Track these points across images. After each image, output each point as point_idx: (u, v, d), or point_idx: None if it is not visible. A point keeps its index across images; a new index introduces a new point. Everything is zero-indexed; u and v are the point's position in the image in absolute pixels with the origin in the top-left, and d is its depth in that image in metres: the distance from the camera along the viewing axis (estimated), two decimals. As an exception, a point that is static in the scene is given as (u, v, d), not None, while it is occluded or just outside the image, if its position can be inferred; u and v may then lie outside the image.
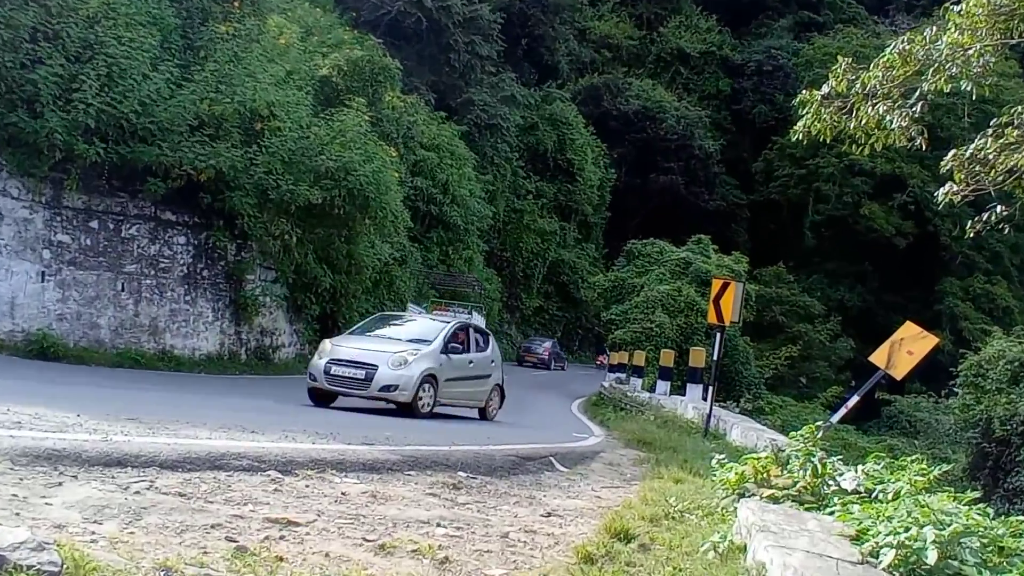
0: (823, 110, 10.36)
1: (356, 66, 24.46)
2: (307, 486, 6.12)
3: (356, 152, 19.04)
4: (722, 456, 8.23)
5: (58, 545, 3.48)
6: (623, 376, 26.75)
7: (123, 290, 16.01)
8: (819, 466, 6.51)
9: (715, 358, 17.01)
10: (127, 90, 15.35)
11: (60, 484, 4.91)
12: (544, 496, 7.80)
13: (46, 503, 4.48)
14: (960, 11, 9.26)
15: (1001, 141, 9.28)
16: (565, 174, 48.39)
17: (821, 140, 10.71)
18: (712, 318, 16.36)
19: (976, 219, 9.61)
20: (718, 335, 16.80)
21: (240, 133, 17.25)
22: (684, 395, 20.18)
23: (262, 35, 19.68)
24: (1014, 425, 17.68)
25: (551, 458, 10.17)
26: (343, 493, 6.12)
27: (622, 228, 46.51)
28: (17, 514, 4.15)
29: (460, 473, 7.88)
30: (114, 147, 15.36)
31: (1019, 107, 9.59)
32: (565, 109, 49.41)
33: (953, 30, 9.20)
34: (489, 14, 41.24)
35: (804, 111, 10.57)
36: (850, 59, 10.52)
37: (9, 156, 14.66)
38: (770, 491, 6.44)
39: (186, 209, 17.03)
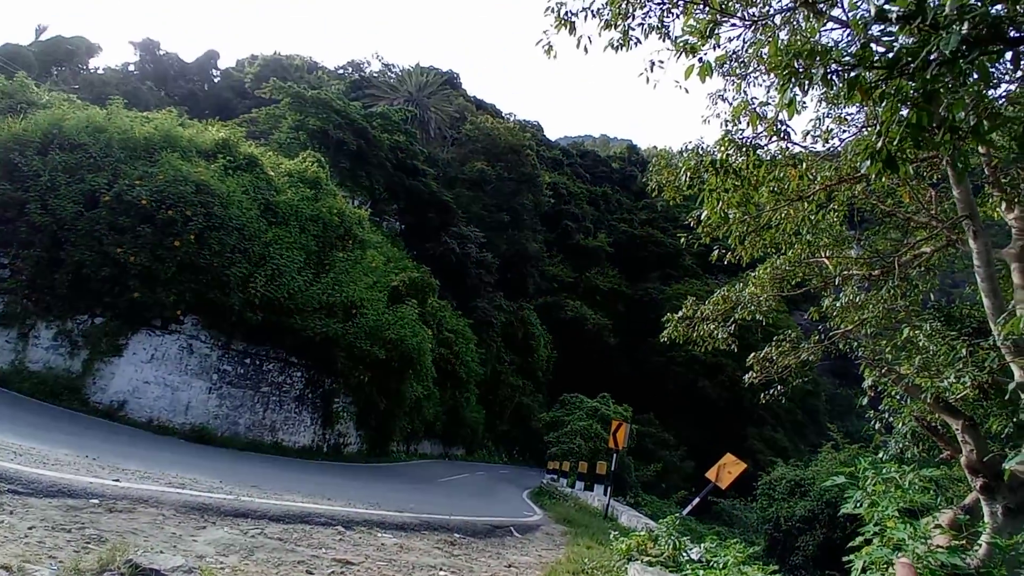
0: (679, 325, 10.55)
1: (413, 282, 24.93)
2: (360, 538, 5.69)
3: (408, 331, 19.04)
4: (616, 533, 7.81)
5: (200, 570, 3.18)
6: (555, 477, 25.66)
7: (258, 403, 15.47)
8: (677, 543, 6.19)
9: (612, 469, 16.47)
10: (282, 284, 15.49)
11: (204, 527, 4.55)
12: (507, 553, 7.27)
13: (193, 540, 4.14)
14: (755, 276, 9.70)
15: (778, 349, 9.47)
16: (527, 352, 48.37)
17: (677, 342, 10.84)
18: (611, 444, 15.99)
19: (765, 393, 9.68)
20: (614, 455, 16.34)
21: (343, 314, 17.28)
22: (593, 491, 19.30)
23: (362, 259, 20.11)
24: (792, 523, 17.04)
25: (511, 527, 9.59)
26: (383, 544, 5.68)
27: (559, 386, 45.90)
28: (175, 546, 3.82)
29: (455, 534, 7.38)
30: (268, 315, 15.32)
31: (789, 330, 9.87)
32: (530, 315, 50.04)
33: (751, 286, 9.58)
34: (491, 259, 42.57)
35: (668, 325, 10.76)
36: (693, 298, 10.86)
37: (203, 317, 14.57)
38: (647, 558, 6.10)
39: (304, 356, 16.72)
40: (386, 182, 35.78)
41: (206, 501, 5.20)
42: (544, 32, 6.30)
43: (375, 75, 68.43)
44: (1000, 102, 4.53)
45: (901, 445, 9.48)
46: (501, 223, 46.79)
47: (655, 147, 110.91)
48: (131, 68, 66.67)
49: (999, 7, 2.99)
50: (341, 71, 72.68)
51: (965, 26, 2.83)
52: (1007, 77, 5.47)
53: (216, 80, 69.06)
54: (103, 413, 12.55)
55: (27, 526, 3.44)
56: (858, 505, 4.77)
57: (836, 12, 5.76)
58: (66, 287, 13.08)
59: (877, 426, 9.40)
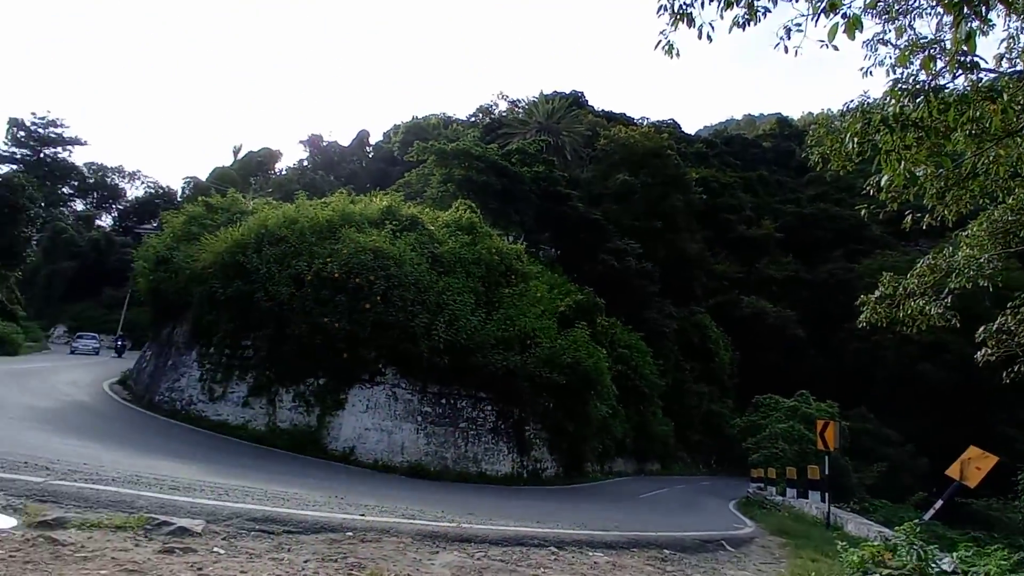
0: (877, 307, 9.56)
1: (579, 304, 25.16)
2: (573, 557, 5.87)
3: (583, 353, 19.19)
4: (844, 543, 7.15)
5: (443, 590, 3.55)
6: (762, 485, 23.92)
7: (459, 438, 16.57)
8: (922, 552, 5.46)
9: (826, 473, 15.07)
10: (460, 327, 16.56)
11: (437, 552, 5.03)
12: (722, 568, 6.99)
13: (431, 563, 4.61)
14: (967, 235, 8.47)
15: (1017, 317, 8.10)
16: (707, 357, 46.06)
17: (879, 325, 9.79)
18: (820, 446, 14.64)
19: (1009, 371, 8.27)
20: (826, 458, 14.93)
21: (518, 347, 17.88)
22: (807, 499, 17.69)
23: (527, 292, 20.81)
24: (1074, 521, 13.99)
25: (722, 541, 9.15)
26: (595, 562, 5.81)
27: (748, 388, 42.92)
28: (418, 569, 4.30)
29: (665, 550, 7.26)
30: (453, 357, 16.39)
31: (1026, 292, 8.41)
32: (703, 319, 47.82)
33: (965, 248, 8.37)
34: (652, 268, 41.60)
35: (864, 308, 9.78)
36: (890, 273, 9.77)
37: (400, 367, 16.07)
38: (887, 571, 5.45)
39: (491, 391, 17.51)
40: (534, 213, 36.90)
41: (434, 529, 5.75)
42: (661, 33, 6.13)
43: (504, 114, 71.60)
44: None
45: None
46: (654, 230, 45.64)
47: (810, 114, 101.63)
48: (304, 163, 76.98)
49: None
50: (473, 119, 77.18)
51: None
52: None
53: (370, 155, 77.12)
54: (339, 458, 14.47)
55: (303, 559, 4.10)
56: None
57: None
58: (293, 357, 15.39)
59: None
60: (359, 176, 64.26)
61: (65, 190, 67.35)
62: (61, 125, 64.39)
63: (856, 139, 6.48)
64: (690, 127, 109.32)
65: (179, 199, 57.94)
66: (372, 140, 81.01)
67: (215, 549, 3.96)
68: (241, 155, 77.65)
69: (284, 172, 73.45)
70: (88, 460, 6.94)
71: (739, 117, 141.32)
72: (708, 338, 46.62)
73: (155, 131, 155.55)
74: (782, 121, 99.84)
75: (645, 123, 71.85)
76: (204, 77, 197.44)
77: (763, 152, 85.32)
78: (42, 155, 63.71)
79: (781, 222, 65.38)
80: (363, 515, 6.00)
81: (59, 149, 65.05)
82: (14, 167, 57.40)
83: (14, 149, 62.64)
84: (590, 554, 6.23)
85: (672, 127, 78.13)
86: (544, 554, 5.81)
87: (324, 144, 78.61)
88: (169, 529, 4.12)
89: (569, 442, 19.93)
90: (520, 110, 68.81)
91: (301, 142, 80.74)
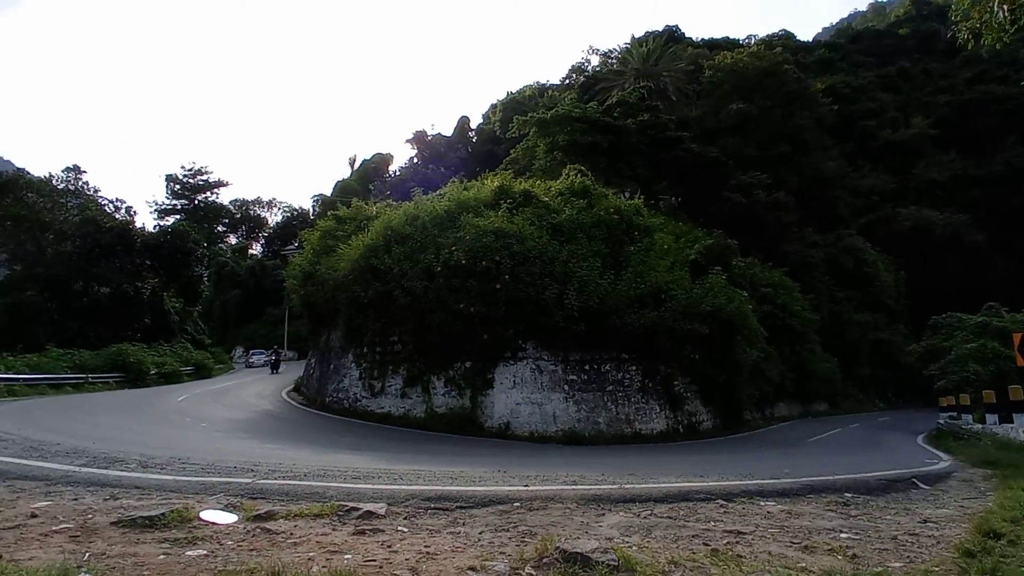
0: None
1: (710, 249, 23.95)
2: (744, 508, 5.71)
3: (722, 299, 18.38)
4: (1067, 466, 6.29)
5: (613, 549, 3.64)
6: (955, 414, 21.50)
7: (608, 401, 16.67)
8: None
9: (1033, 391, 13.23)
10: (590, 293, 16.55)
11: (603, 514, 5.14)
12: (916, 508, 6.42)
13: (598, 525, 4.72)
14: None
15: None
16: (865, 283, 41.87)
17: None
18: (1020, 362, 12.84)
19: None
20: (1030, 374, 13.09)
21: (652, 303, 17.51)
22: (1012, 423, 15.63)
23: (654, 246, 20.26)
24: None
25: (914, 479, 8.39)
26: (768, 512, 5.61)
27: (922, 310, 38.43)
28: (586, 532, 4.43)
29: (846, 494, 6.82)
30: (589, 323, 16.42)
31: None
32: (854, 241, 43.43)
33: None
34: (784, 197, 38.58)
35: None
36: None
37: (539, 340, 16.45)
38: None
39: (632, 351, 17.34)
40: (647, 164, 35.56)
41: (597, 492, 5.88)
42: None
43: (597, 69, 69.23)
44: None
45: None
46: (781, 155, 42.11)
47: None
48: (414, 159, 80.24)
49: None
50: (567, 81, 75.48)
51: None
52: None
53: (473, 140, 78.51)
54: (496, 434, 15.28)
55: (478, 532, 4.39)
56: None
57: None
58: (438, 345, 16.37)
59: None
60: (467, 162, 65.78)
61: (219, 228, 76.18)
62: (206, 172, 72.96)
63: (1006, 5, 5.53)
64: (806, 34, 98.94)
65: (312, 217, 63.13)
66: (473, 124, 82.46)
67: (399, 528, 4.37)
68: (357, 165, 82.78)
69: (397, 173, 77.23)
70: (283, 460, 7.92)
71: (863, 8, 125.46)
72: (864, 262, 42.43)
73: (279, 158, 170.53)
74: (918, 0, 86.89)
75: (752, 42, 65.95)
76: (311, 96, 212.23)
77: (900, 41, 75.02)
78: (196, 202, 72.62)
79: (934, 117, 57.34)
80: (527, 485, 6.28)
81: (208, 194, 73.74)
82: (178, 217, 66.03)
83: (174, 201, 71.99)
84: (761, 503, 6.03)
85: (786, 38, 71.12)
86: (712, 507, 5.71)
87: (429, 138, 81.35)
88: (358, 514, 4.61)
89: (722, 392, 19.29)
90: (614, 60, 66.20)
91: (407, 141, 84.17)
